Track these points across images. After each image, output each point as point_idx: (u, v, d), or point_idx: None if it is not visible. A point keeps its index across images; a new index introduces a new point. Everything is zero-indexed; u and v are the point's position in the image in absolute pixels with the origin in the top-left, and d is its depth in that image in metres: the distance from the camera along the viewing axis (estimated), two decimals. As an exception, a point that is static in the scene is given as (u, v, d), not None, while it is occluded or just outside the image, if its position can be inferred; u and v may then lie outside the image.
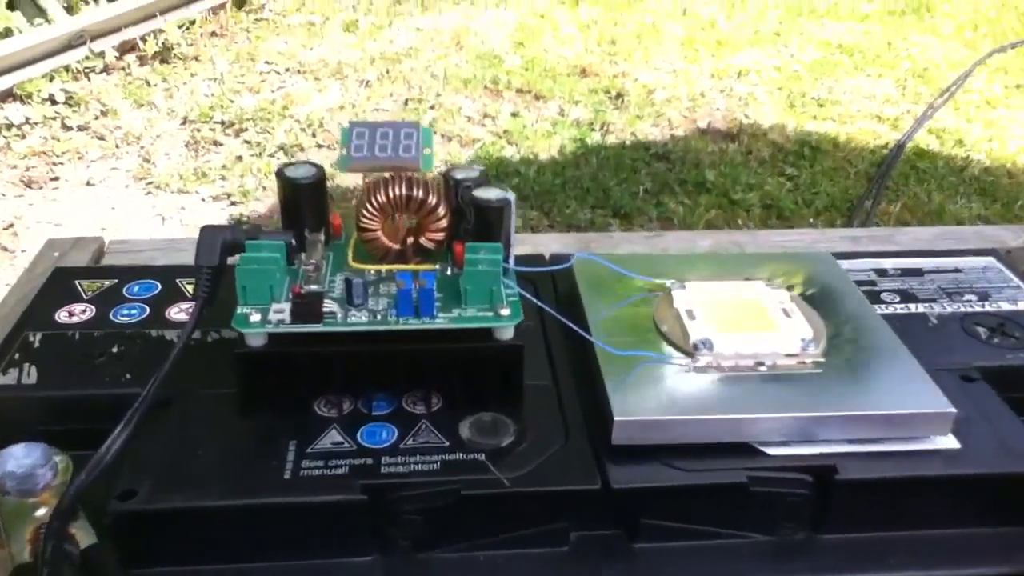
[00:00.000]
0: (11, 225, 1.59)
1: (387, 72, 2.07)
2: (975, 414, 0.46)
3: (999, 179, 1.67)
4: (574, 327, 0.45)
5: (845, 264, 0.59)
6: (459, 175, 0.46)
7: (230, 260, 0.44)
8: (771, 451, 0.43)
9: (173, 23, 2.22)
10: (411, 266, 0.44)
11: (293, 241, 0.44)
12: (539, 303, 0.46)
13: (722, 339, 0.46)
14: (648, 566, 0.42)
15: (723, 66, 2.16)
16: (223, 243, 0.44)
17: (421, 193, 0.43)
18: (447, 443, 0.42)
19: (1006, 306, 0.54)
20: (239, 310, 0.42)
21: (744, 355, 0.46)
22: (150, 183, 1.68)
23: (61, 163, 1.76)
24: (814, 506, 0.42)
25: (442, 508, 0.40)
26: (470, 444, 0.42)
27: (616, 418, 0.42)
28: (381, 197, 0.43)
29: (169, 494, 0.39)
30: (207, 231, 0.45)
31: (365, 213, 0.43)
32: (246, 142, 1.80)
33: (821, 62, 2.20)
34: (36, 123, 1.88)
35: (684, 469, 0.42)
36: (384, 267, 0.44)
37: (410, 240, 0.44)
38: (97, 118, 1.90)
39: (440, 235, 0.44)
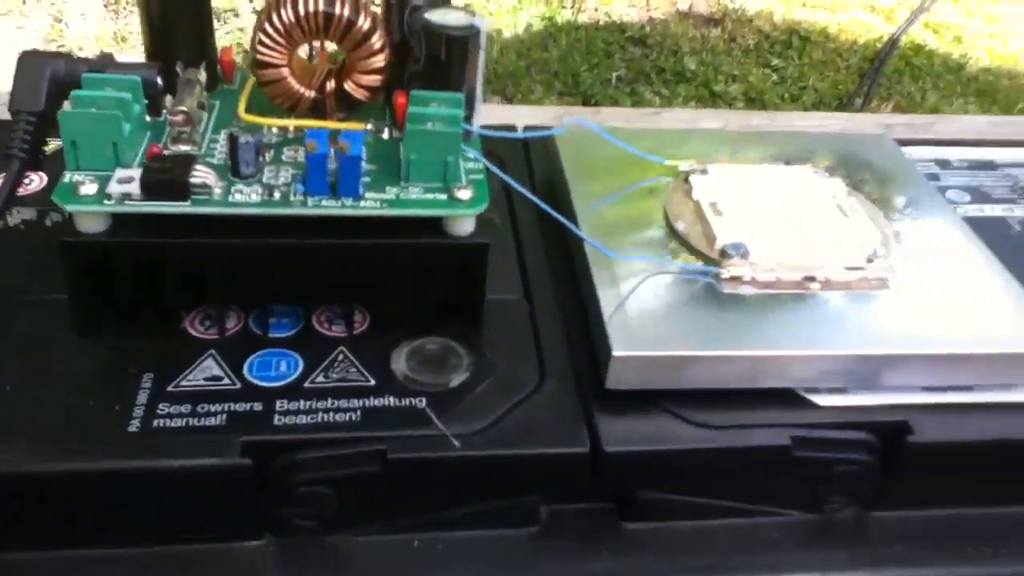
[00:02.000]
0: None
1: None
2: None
3: (999, 80, 1.55)
4: (561, 219, 0.32)
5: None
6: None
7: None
8: (822, 401, 0.31)
9: None
10: (330, 123, 0.31)
11: (158, 79, 0.30)
12: (512, 183, 0.32)
13: (759, 244, 0.33)
14: (644, 551, 0.30)
15: (706, -55, 1.98)
16: (52, 78, 0.30)
17: (347, 11, 0.29)
18: (372, 381, 0.29)
19: (1102, 212, 0.43)
20: (66, 178, 0.28)
21: (789, 267, 0.33)
22: (62, 47, 1.49)
23: (-38, 20, 1.56)
24: (872, 475, 0.31)
25: (361, 478, 0.27)
26: (406, 383, 0.29)
27: (614, 353, 0.29)
28: (287, 15, 0.29)
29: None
30: (29, 61, 0.30)
31: (263, 40, 0.29)
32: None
33: (811, -54, 2.03)
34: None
35: (703, 425, 0.30)
36: (291, 123, 0.31)
37: (331, 85, 0.30)
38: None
39: (374, 78, 0.30)
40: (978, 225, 0.41)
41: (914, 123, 0.58)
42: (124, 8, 1.60)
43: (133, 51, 1.51)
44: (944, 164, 0.46)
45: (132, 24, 1.58)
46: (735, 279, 0.33)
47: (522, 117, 0.45)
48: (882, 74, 1.52)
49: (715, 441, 0.29)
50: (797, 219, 0.35)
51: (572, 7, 1.70)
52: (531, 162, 0.42)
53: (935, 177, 0.44)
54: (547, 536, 0.30)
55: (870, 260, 0.34)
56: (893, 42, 1.61)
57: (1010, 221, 0.42)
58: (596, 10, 1.68)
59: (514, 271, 0.35)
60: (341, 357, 0.30)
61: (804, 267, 0.33)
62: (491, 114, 0.36)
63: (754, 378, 0.31)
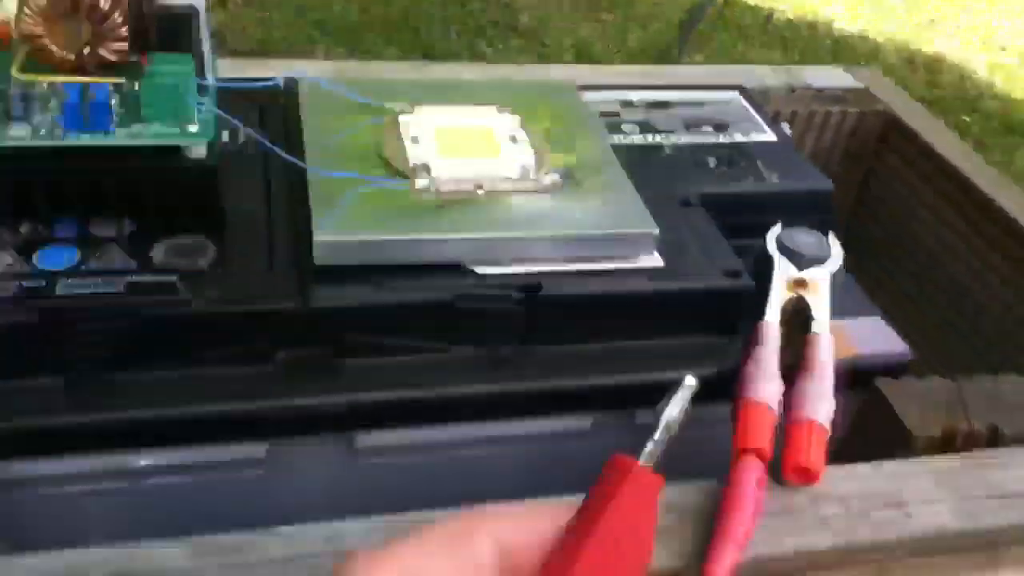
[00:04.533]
0: None
1: None
2: (688, 236, 0.47)
3: (800, 29, 1.73)
4: (278, 152, 0.43)
5: (594, 95, 0.59)
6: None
7: None
8: (480, 270, 0.43)
9: None
10: (85, 78, 0.40)
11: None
12: (248, 128, 0.43)
13: (442, 163, 0.45)
14: (355, 380, 0.42)
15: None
16: None
17: (92, -5, 0.39)
18: (134, 265, 0.40)
19: (739, 137, 0.56)
20: None
21: (463, 179, 0.45)
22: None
23: None
24: (521, 320, 0.43)
25: (126, 331, 0.38)
26: (162, 266, 0.40)
27: (316, 238, 0.40)
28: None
29: None
30: None
31: (26, 14, 0.38)
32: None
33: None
34: None
35: (390, 288, 0.41)
36: (58, 78, 0.40)
37: (88, 50, 0.40)
38: None
39: (120, 44, 0.40)
40: (640, 150, 0.54)
41: (649, 72, 0.70)
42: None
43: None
44: (627, 104, 0.58)
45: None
46: (422, 189, 0.44)
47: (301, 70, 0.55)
48: (698, 25, 1.67)
49: (396, 297, 0.41)
50: (475, 146, 0.47)
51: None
52: (287, 112, 0.52)
53: (616, 114, 0.57)
54: (279, 372, 0.41)
55: (523, 174, 0.46)
56: (709, -3, 1.76)
57: (665, 146, 0.55)
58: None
59: (260, 190, 0.46)
60: (112, 250, 0.40)
61: (475, 179, 0.45)
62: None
63: (430, 255, 0.42)
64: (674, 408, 0.27)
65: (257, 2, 1.60)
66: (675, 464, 0.40)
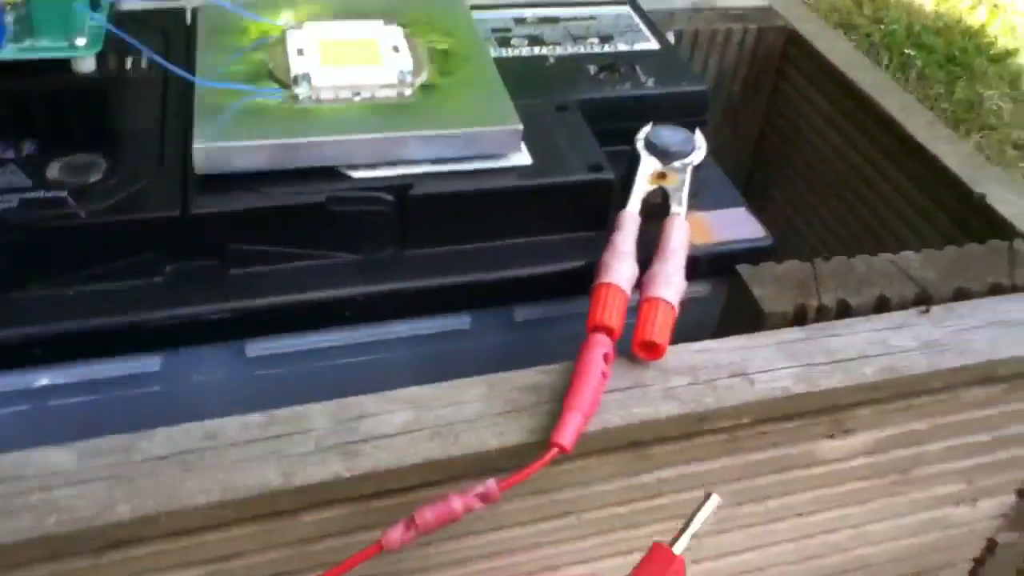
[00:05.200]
0: None
1: None
2: (559, 137, 0.50)
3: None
4: (164, 63, 0.45)
5: (487, 13, 0.61)
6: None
7: None
8: (355, 174, 0.46)
9: None
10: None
11: None
12: (148, 50, 0.46)
13: (323, 72, 0.48)
14: (241, 288, 0.45)
15: None
16: None
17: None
18: (30, 183, 0.42)
19: (623, 47, 0.59)
20: None
21: (342, 86, 0.48)
22: None
23: None
24: (395, 223, 0.46)
25: (18, 247, 0.41)
26: (54, 183, 0.43)
27: (195, 145, 0.43)
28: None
29: None
30: None
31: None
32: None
33: None
34: None
35: (266, 192, 0.44)
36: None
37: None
38: None
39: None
40: (525, 61, 0.57)
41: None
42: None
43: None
44: (520, 20, 0.61)
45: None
46: (302, 97, 0.47)
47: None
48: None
49: (271, 201, 0.44)
50: (358, 55, 0.49)
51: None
52: (190, 34, 0.54)
53: (507, 30, 0.59)
54: (168, 284, 0.44)
55: (402, 79, 0.48)
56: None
57: (549, 56, 0.57)
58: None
59: (157, 108, 0.49)
60: (10, 170, 0.43)
61: (353, 86, 0.48)
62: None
63: (305, 159, 0.45)
64: (700, 521, 0.37)
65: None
66: (548, 354, 0.44)
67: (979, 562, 0.59)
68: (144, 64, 0.51)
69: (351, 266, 0.47)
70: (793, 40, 0.74)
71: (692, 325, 0.50)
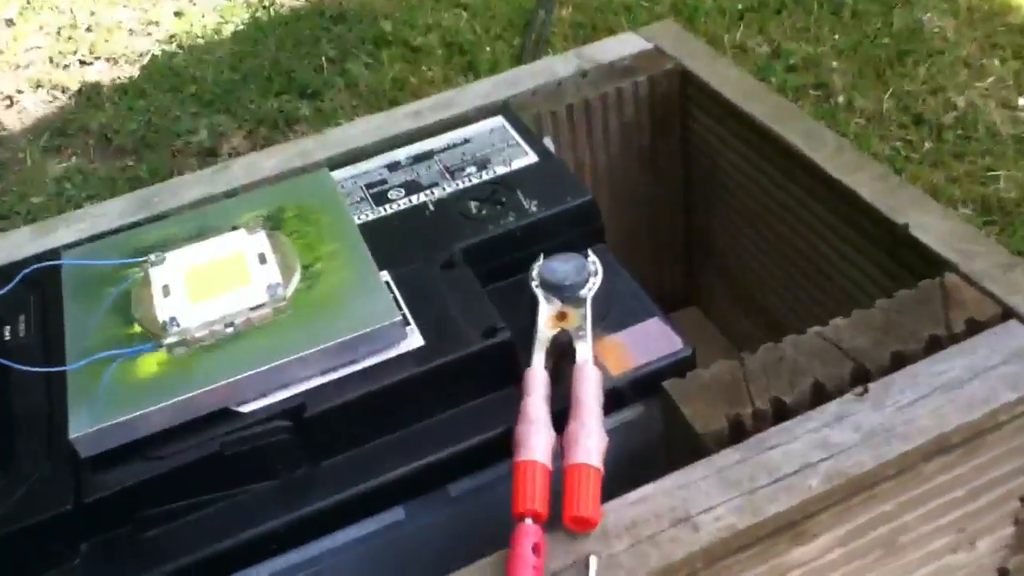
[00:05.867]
0: None
1: (28, 3, 1.87)
2: (449, 302, 0.48)
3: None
4: (20, 368, 0.44)
5: (362, 166, 0.59)
6: None
7: None
8: (246, 408, 0.44)
9: None
10: None
11: None
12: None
13: (190, 311, 0.46)
14: (162, 549, 0.43)
15: None
16: None
17: None
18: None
19: (501, 169, 0.57)
20: None
21: (213, 321, 0.46)
22: None
23: None
24: (299, 444, 0.45)
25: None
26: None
27: (71, 435, 0.42)
28: None
29: None
30: None
31: None
32: None
33: None
34: None
35: (158, 457, 0.43)
36: None
37: None
38: None
39: None
40: (406, 216, 0.55)
41: (436, 104, 0.70)
42: None
43: None
44: (394, 166, 0.59)
45: None
46: (175, 344, 0.46)
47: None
48: (541, 31, 1.61)
49: (165, 466, 0.43)
50: (226, 279, 0.48)
51: (270, 4, 1.77)
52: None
53: (383, 182, 0.57)
54: (87, 564, 0.43)
55: (272, 295, 0.47)
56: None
57: (429, 204, 0.55)
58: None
59: (41, 383, 0.47)
60: None
61: (224, 317, 0.46)
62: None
63: (192, 412, 0.44)
64: None
65: (136, 91, 1.60)
66: (488, 521, 0.42)
67: (999, 589, 0.57)
68: (22, 331, 0.50)
69: (269, 494, 0.45)
70: (687, 79, 0.72)
71: (633, 452, 0.49)
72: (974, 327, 0.47)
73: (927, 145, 1.17)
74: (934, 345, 0.47)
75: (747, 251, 0.72)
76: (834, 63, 1.35)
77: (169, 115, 1.54)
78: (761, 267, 0.71)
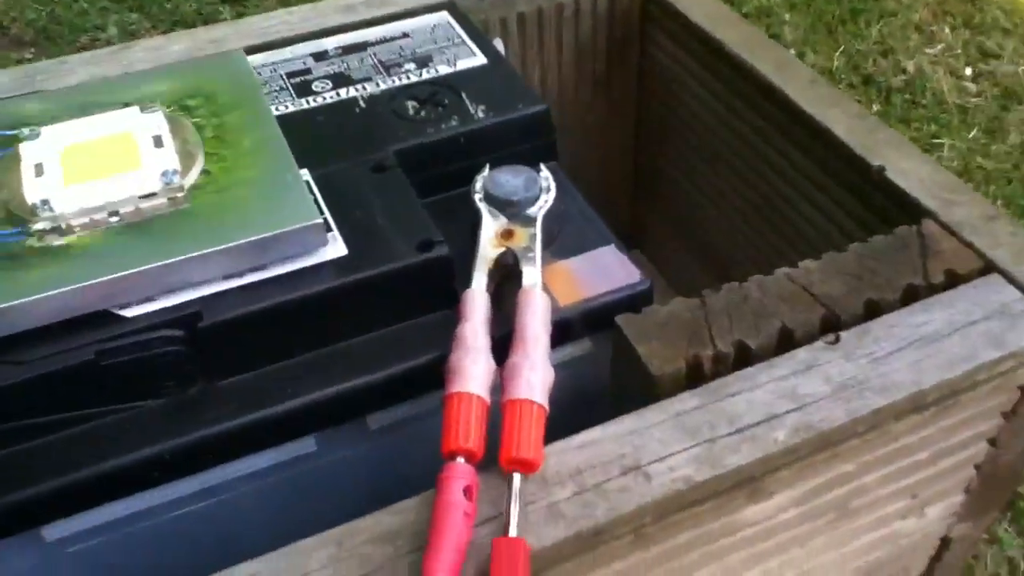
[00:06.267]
0: None
1: None
2: (381, 211, 0.42)
3: None
4: None
5: (284, 52, 0.52)
6: None
7: None
8: (129, 312, 0.37)
9: None
10: None
11: None
12: None
13: (65, 195, 0.39)
14: (15, 472, 0.36)
15: None
16: None
17: None
18: None
19: (444, 69, 0.50)
20: None
21: (93, 208, 0.39)
22: None
23: None
24: (193, 358, 0.38)
25: None
26: None
27: (-82, 330, 0.34)
28: None
29: None
30: None
31: None
32: None
33: None
34: None
35: (21, 362, 0.36)
36: None
37: None
38: None
39: None
40: (332, 110, 0.48)
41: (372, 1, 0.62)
42: None
43: None
44: (321, 56, 0.51)
45: None
46: (47, 231, 0.38)
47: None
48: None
49: (28, 372, 0.35)
50: (111, 161, 0.40)
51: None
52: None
53: (307, 72, 0.50)
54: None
55: (167, 183, 0.39)
56: None
57: (359, 100, 0.48)
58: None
59: None
60: None
61: (108, 204, 0.39)
62: None
63: (67, 309, 0.36)
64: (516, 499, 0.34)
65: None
66: (409, 460, 0.37)
67: (936, 559, 0.54)
68: None
69: (153, 414, 0.38)
70: (649, -2, 0.66)
71: (578, 392, 0.43)
72: (954, 279, 0.43)
73: (875, 107, 1.14)
74: (910, 295, 0.42)
75: (703, 193, 0.68)
76: (786, 15, 1.31)
77: (75, 7, 1.40)
78: (718, 212, 0.67)
